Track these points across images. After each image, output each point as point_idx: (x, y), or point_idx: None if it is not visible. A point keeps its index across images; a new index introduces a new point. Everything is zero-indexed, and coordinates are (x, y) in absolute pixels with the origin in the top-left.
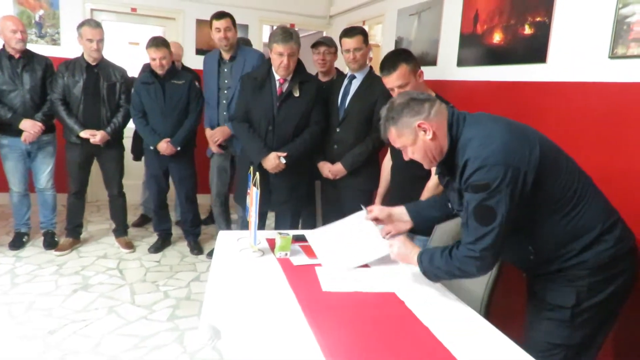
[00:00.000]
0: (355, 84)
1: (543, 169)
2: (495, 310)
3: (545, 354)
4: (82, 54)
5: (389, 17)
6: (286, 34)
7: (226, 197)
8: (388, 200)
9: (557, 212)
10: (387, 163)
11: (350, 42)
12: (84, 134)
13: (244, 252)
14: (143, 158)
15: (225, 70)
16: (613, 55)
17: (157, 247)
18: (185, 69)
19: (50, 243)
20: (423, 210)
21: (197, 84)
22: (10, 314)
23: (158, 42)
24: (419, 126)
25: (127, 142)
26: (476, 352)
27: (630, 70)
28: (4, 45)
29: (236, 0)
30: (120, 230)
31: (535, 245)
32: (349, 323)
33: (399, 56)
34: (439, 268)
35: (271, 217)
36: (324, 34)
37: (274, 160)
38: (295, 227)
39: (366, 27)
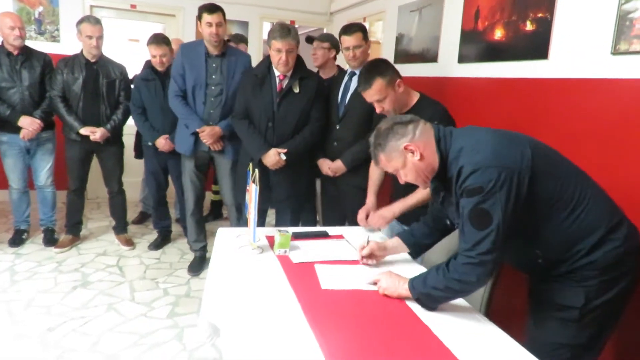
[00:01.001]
0: (356, 81)
1: (537, 169)
2: (495, 309)
3: (550, 354)
4: (82, 51)
5: (390, 14)
6: (284, 30)
7: (202, 206)
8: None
9: (559, 212)
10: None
11: (349, 40)
12: (84, 131)
13: (243, 250)
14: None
15: (214, 65)
16: (615, 52)
17: (157, 245)
18: None
19: (50, 240)
20: (419, 240)
21: None
22: (9, 311)
23: (159, 39)
24: (405, 148)
25: (129, 139)
26: (476, 350)
27: (633, 66)
28: (2, 42)
29: None
30: (120, 227)
31: (542, 249)
32: (348, 321)
33: (374, 70)
34: (435, 288)
35: (271, 214)
36: (325, 31)
37: (274, 157)
38: (296, 224)
39: (367, 24)
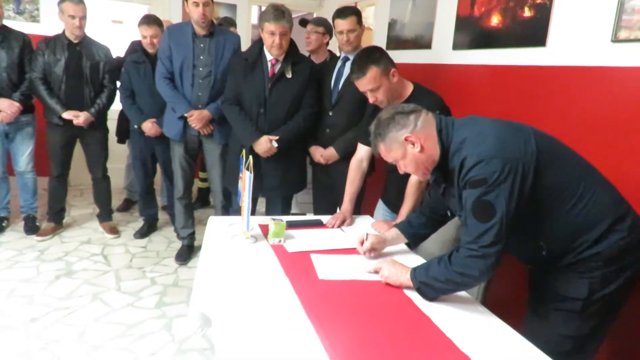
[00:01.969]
0: (349, 67)
1: (541, 159)
2: (492, 297)
3: (552, 345)
4: (64, 31)
5: None
6: (278, 12)
7: (191, 191)
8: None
9: (564, 203)
10: (355, 163)
11: (343, 24)
12: (67, 115)
13: (236, 239)
14: (127, 141)
15: (202, 46)
16: (616, 39)
17: (143, 233)
18: None
19: (31, 228)
20: (417, 231)
21: None
22: None
23: (150, 20)
24: (405, 140)
25: (112, 124)
26: (477, 341)
27: (634, 54)
28: None
29: None
30: (105, 215)
31: (547, 240)
32: (347, 312)
33: (368, 58)
34: (436, 279)
35: (261, 202)
36: (315, 15)
37: (265, 144)
38: (287, 213)
39: None
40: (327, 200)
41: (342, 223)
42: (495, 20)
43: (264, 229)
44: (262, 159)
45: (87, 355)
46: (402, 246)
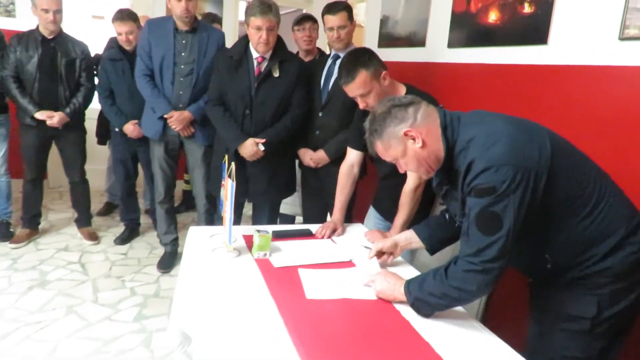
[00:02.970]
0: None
1: (555, 165)
2: (491, 314)
3: None
4: (37, 27)
5: None
6: (264, 5)
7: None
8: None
9: (575, 214)
10: (345, 169)
11: (334, 20)
12: (40, 115)
13: (218, 252)
14: (108, 142)
15: (184, 42)
16: (624, 37)
17: (124, 239)
18: None
19: (5, 234)
20: (435, 232)
21: None
22: None
23: (124, 15)
24: (405, 135)
25: (91, 124)
26: None
27: None
28: None
29: None
30: (83, 220)
31: (553, 253)
32: (336, 335)
33: (357, 61)
34: (431, 293)
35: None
36: (304, 12)
37: (251, 147)
38: (274, 219)
39: None
40: (316, 205)
41: (333, 233)
42: (493, 16)
43: (248, 240)
44: (248, 163)
45: None
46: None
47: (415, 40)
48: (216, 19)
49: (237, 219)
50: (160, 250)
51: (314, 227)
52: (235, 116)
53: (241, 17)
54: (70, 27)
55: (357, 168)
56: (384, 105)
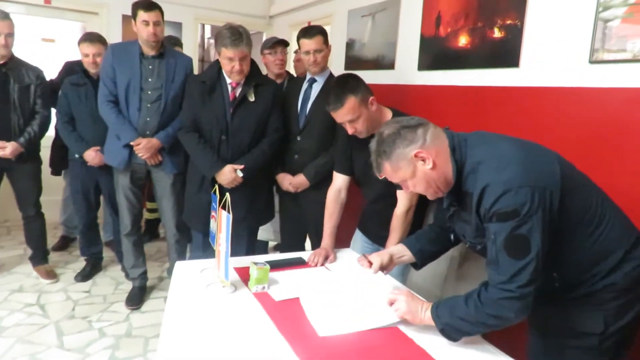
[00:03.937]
0: (316, 88)
1: (565, 186)
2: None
3: None
4: None
5: (339, 18)
6: (235, 36)
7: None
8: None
9: (582, 232)
10: (332, 195)
11: (309, 43)
12: None
13: (212, 288)
14: (64, 172)
15: (150, 67)
16: (594, 60)
17: (86, 275)
18: None
19: None
20: (425, 247)
21: None
22: None
23: (93, 37)
24: (415, 156)
25: (44, 152)
26: None
27: (613, 75)
28: None
29: None
30: (39, 256)
31: (561, 271)
32: None
33: (345, 87)
34: (464, 320)
35: None
36: (264, 35)
37: (230, 174)
38: (253, 246)
39: None
40: (295, 230)
41: (326, 260)
42: (463, 40)
43: (241, 273)
44: (225, 190)
45: None
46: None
47: (384, 62)
48: (177, 42)
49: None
50: (127, 285)
51: (305, 255)
52: (210, 142)
53: (199, 39)
54: (19, 51)
55: (344, 193)
56: (392, 127)
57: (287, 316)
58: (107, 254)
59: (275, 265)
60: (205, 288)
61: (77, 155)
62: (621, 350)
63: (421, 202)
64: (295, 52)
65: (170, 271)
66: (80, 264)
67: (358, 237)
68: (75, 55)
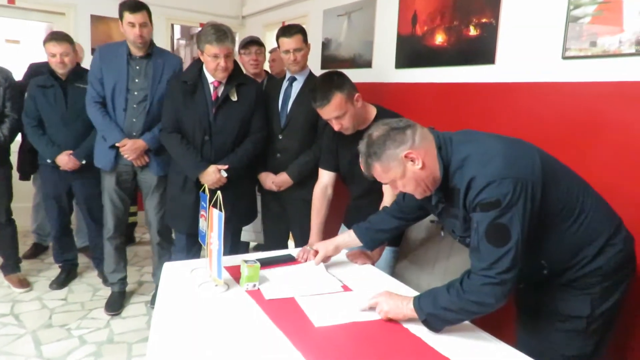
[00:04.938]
0: (297, 87)
1: (546, 178)
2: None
3: None
4: None
5: (314, 18)
6: (220, 32)
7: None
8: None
9: (566, 219)
10: (319, 191)
11: (289, 42)
12: None
13: (205, 287)
14: (33, 177)
15: (137, 68)
16: (566, 56)
17: (61, 282)
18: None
19: None
20: (375, 236)
21: None
22: None
23: (59, 36)
24: (405, 157)
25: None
26: None
27: (584, 69)
28: None
29: None
30: (11, 265)
31: (548, 259)
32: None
33: (331, 84)
34: (446, 309)
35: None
36: (237, 36)
37: (214, 175)
38: (236, 247)
39: None
40: (278, 230)
41: (315, 256)
42: (439, 39)
43: (232, 272)
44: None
45: None
46: (386, 277)
47: (361, 61)
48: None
49: (198, 251)
50: (105, 292)
51: (294, 251)
52: (193, 143)
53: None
54: None
55: (331, 189)
56: (381, 129)
57: (282, 311)
58: (82, 260)
59: (266, 263)
60: (197, 288)
61: (48, 160)
62: (606, 332)
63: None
64: (270, 52)
65: (155, 274)
66: (54, 271)
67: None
68: (41, 56)
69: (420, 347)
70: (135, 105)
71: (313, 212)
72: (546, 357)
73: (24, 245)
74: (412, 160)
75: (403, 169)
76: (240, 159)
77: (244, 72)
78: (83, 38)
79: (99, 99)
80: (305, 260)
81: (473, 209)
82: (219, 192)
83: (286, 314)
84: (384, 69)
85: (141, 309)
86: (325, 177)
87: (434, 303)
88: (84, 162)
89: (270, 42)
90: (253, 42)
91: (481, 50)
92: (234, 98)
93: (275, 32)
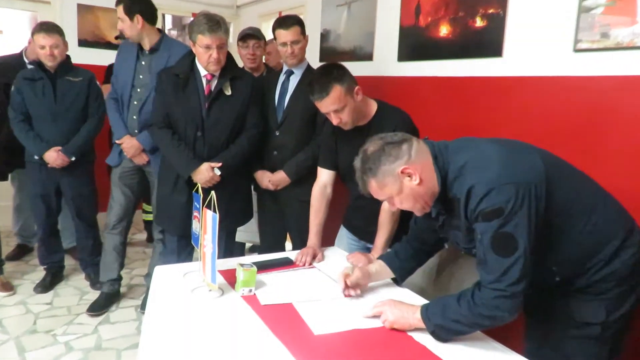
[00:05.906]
0: (294, 81)
1: (551, 179)
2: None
3: None
4: None
5: (312, 8)
6: (212, 22)
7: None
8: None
9: (576, 223)
10: (318, 191)
11: (286, 34)
12: None
13: (198, 292)
14: (10, 176)
15: (144, 63)
16: (577, 49)
17: (46, 285)
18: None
19: None
20: (405, 264)
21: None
22: None
23: (49, 28)
24: (402, 172)
25: None
26: None
27: (597, 63)
28: None
29: None
30: None
31: (560, 265)
32: None
33: (330, 76)
34: (457, 322)
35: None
36: (231, 27)
37: (207, 173)
38: (231, 249)
39: None
40: (275, 230)
41: (313, 259)
42: (444, 30)
43: (227, 276)
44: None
45: None
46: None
47: (362, 54)
48: None
49: (190, 253)
50: (92, 295)
51: (292, 254)
52: (185, 139)
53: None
54: None
55: (330, 188)
56: (375, 144)
57: (279, 318)
58: (69, 262)
59: (263, 267)
60: (190, 293)
61: (36, 157)
62: (621, 338)
63: None
64: (266, 43)
65: (150, 273)
66: (39, 274)
67: (343, 234)
68: (20, 47)
69: (426, 356)
70: (135, 102)
71: (312, 212)
72: None
73: (7, 246)
74: (409, 176)
75: (400, 185)
76: (235, 156)
77: (241, 65)
78: (70, 28)
79: (114, 95)
80: (304, 264)
81: (475, 219)
82: (213, 193)
83: (284, 321)
84: (385, 61)
85: (131, 314)
86: (324, 176)
87: (443, 314)
88: (73, 158)
89: (266, 34)
90: (251, 36)
91: (488, 43)
92: (228, 92)
93: (271, 22)
